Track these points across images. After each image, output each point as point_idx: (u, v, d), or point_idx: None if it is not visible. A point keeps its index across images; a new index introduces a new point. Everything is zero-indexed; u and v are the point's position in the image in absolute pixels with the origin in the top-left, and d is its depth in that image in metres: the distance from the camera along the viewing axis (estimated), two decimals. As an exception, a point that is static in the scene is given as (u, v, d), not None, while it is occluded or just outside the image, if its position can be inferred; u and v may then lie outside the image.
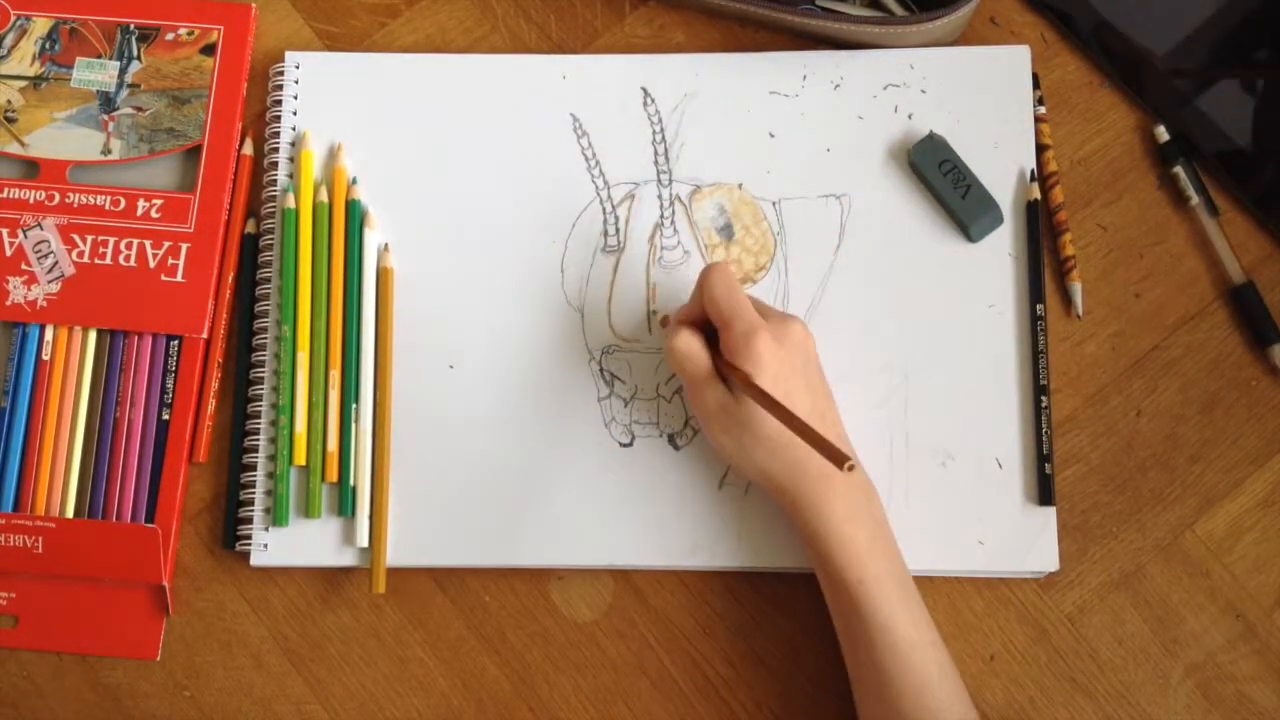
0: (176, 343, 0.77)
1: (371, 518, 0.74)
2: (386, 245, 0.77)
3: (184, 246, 0.78)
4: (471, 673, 0.74)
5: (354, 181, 0.78)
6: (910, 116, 0.78)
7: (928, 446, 0.74)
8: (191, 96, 0.80)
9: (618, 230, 0.78)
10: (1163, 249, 0.77)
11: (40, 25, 0.81)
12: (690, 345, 0.68)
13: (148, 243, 0.78)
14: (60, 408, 0.76)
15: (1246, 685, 0.71)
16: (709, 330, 0.70)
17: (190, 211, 0.78)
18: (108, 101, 0.80)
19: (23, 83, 0.81)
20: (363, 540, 0.73)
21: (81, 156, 0.79)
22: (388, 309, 0.76)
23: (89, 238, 0.78)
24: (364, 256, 0.77)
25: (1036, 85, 0.78)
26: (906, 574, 0.67)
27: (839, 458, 0.59)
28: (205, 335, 0.77)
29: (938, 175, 0.76)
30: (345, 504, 0.74)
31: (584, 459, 0.74)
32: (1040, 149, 0.78)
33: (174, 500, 0.75)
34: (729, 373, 0.67)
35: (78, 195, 0.78)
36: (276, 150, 0.79)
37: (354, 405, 0.75)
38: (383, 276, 0.77)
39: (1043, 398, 0.73)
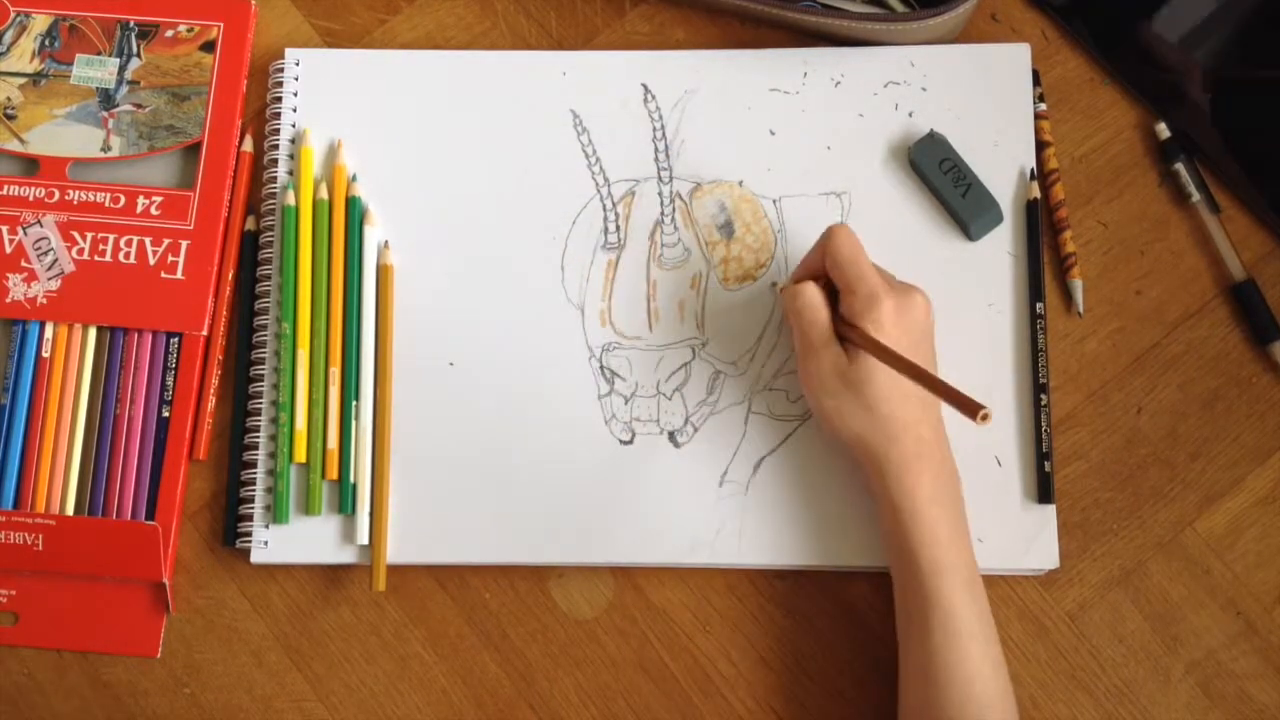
0: (176, 340, 0.77)
1: (371, 515, 0.73)
2: (386, 242, 0.77)
3: (184, 244, 0.77)
4: (472, 670, 0.74)
5: (354, 178, 0.78)
6: (910, 114, 0.78)
7: (928, 444, 0.74)
8: (191, 93, 0.80)
9: (618, 227, 0.78)
10: (1163, 246, 0.77)
11: (40, 22, 0.81)
12: (814, 301, 0.69)
13: (147, 240, 0.78)
14: (60, 405, 0.76)
15: (1247, 682, 0.71)
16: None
17: (190, 208, 0.78)
18: (107, 98, 0.80)
19: (22, 80, 0.81)
20: (363, 538, 0.73)
21: (81, 153, 0.79)
22: (388, 306, 0.76)
23: (89, 235, 0.78)
24: (364, 253, 0.77)
25: (1037, 82, 0.78)
26: (976, 568, 0.67)
27: (973, 407, 0.59)
28: (205, 332, 0.77)
29: (938, 173, 0.76)
30: (345, 501, 0.74)
31: (584, 456, 0.74)
32: (1041, 146, 0.78)
33: (174, 497, 0.75)
34: (849, 333, 0.68)
35: (77, 192, 0.78)
36: (276, 147, 0.79)
37: (354, 402, 0.75)
38: (383, 273, 0.77)
39: (1042, 395, 0.73)
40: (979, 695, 0.65)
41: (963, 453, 0.73)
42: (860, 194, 0.77)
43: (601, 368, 0.76)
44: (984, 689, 0.65)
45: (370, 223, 0.77)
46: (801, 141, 0.78)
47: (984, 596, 0.67)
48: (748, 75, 0.79)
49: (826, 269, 0.70)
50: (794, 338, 0.71)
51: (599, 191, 0.78)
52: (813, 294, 0.69)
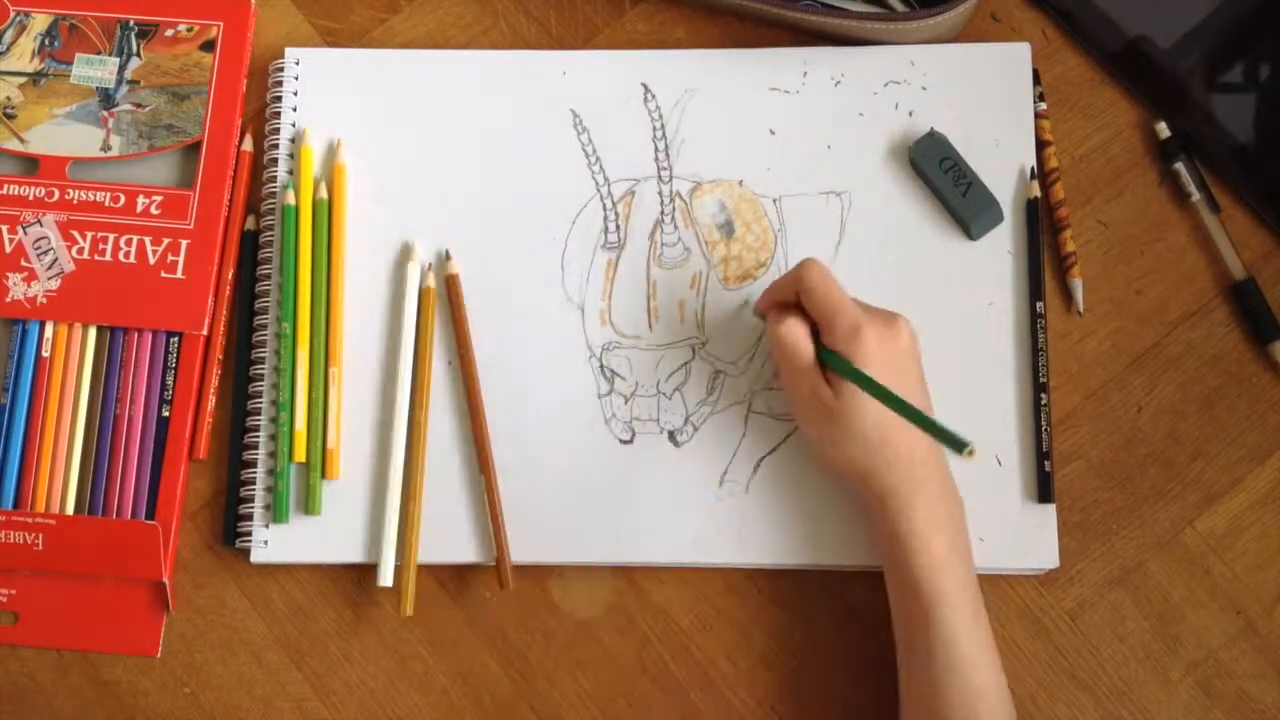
0: (176, 339, 0.77)
1: (400, 548, 0.74)
2: (429, 265, 0.77)
3: (184, 243, 0.77)
4: (472, 670, 0.74)
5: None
6: (911, 113, 0.78)
7: (927, 443, 0.73)
8: (191, 93, 0.80)
9: (618, 227, 0.78)
10: (1163, 245, 0.77)
11: (40, 21, 0.81)
12: (796, 334, 0.68)
13: (147, 239, 0.77)
14: (60, 404, 0.76)
15: (1247, 682, 0.71)
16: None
17: (190, 208, 0.78)
18: (107, 98, 0.80)
19: (22, 79, 0.80)
20: (386, 580, 0.73)
21: (81, 153, 0.79)
22: (428, 329, 0.76)
23: (89, 234, 0.78)
24: (406, 282, 0.77)
25: (1037, 82, 0.78)
26: (978, 591, 0.67)
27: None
28: (205, 332, 0.77)
29: (938, 172, 0.76)
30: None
31: (584, 456, 0.74)
32: (1041, 146, 0.78)
33: (174, 497, 0.75)
34: (833, 367, 0.67)
35: (77, 192, 0.78)
36: (276, 146, 0.79)
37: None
38: (424, 296, 0.76)
39: (1042, 395, 0.73)
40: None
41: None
42: (860, 193, 0.77)
43: (601, 367, 0.76)
44: (985, 715, 0.64)
45: (412, 258, 0.77)
46: (801, 141, 0.78)
47: (985, 620, 0.66)
48: (748, 75, 0.79)
49: (802, 303, 0.69)
50: (780, 370, 0.70)
51: (599, 191, 0.78)
52: (794, 327, 0.68)
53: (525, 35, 0.82)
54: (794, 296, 0.69)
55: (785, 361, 0.69)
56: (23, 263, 0.77)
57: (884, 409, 0.64)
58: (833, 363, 0.67)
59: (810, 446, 0.70)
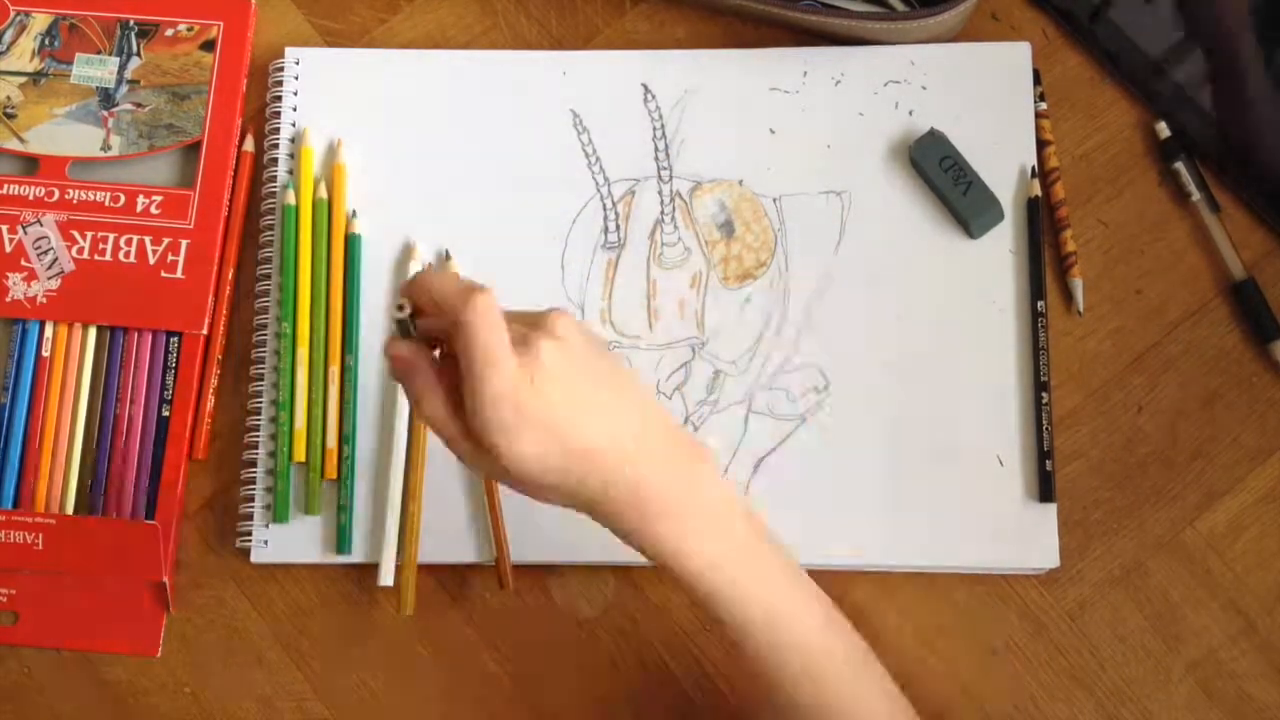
0: (176, 339, 0.77)
1: (401, 546, 0.73)
2: (429, 265, 0.77)
3: (184, 243, 0.77)
4: (472, 669, 0.73)
5: (353, 214, 0.77)
6: (911, 113, 0.78)
7: (928, 443, 0.73)
8: (191, 92, 0.80)
9: (618, 226, 0.78)
10: (1164, 245, 0.77)
11: (40, 21, 0.81)
12: (437, 415, 0.56)
13: (147, 239, 0.77)
14: (60, 404, 0.76)
15: (1247, 682, 0.71)
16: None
17: (190, 207, 0.78)
18: (107, 97, 0.80)
19: (22, 79, 0.80)
20: (387, 578, 0.73)
21: (81, 153, 0.79)
22: None
23: (89, 234, 0.78)
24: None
25: (1038, 81, 0.78)
26: (824, 596, 0.61)
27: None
28: (205, 332, 0.77)
29: (938, 172, 0.76)
30: (345, 503, 0.74)
31: (584, 455, 0.74)
32: (1041, 145, 0.78)
33: (174, 497, 0.75)
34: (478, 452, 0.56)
35: (77, 191, 0.78)
36: (276, 146, 0.79)
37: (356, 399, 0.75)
38: None
39: (1043, 394, 0.73)
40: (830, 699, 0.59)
41: (964, 452, 0.73)
42: (860, 193, 0.77)
43: (601, 367, 0.76)
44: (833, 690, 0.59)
45: (414, 257, 0.77)
46: (802, 140, 0.78)
47: (844, 624, 0.61)
48: (748, 74, 0.79)
49: (452, 343, 0.56)
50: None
51: (599, 191, 0.78)
52: (433, 404, 0.56)
53: (525, 35, 0.82)
54: (433, 310, 0.57)
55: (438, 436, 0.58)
56: (23, 262, 0.77)
57: (560, 421, 0.55)
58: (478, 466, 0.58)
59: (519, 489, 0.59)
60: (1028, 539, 0.72)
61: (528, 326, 0.56)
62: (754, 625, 0.58)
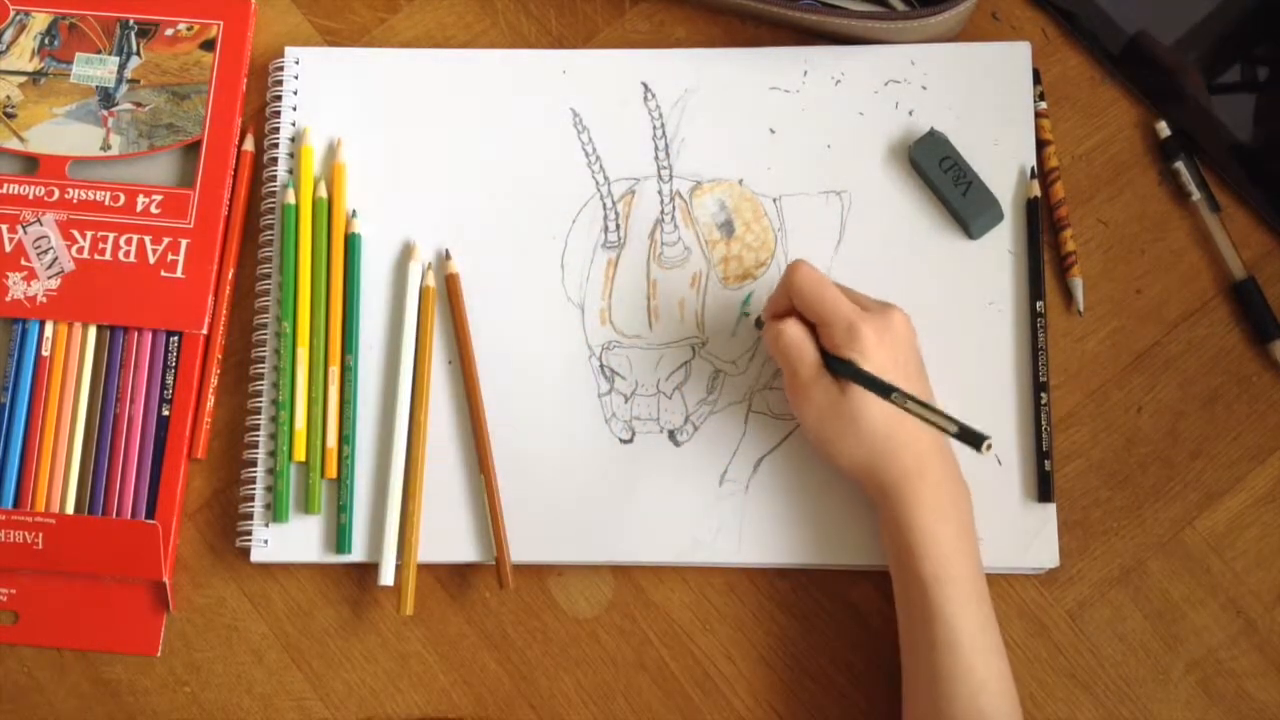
0: (176, 339, 0.77)
1: (400, 549, 0.73)
2: (429, 264, 0.77)
3: (184, 242, 0.77)
4: (472, 669, 0.74)
5: (353, 214, 0.77)
6: (911, 113, 0.78)
7: (928, 443, 0.74)
8: (191, 92, 0.80)
9: (618, 226, 0.78)
10: (1164, 245, 0.77)
11: (40, 20, 0.81)
12: (798, 338, 0.68)
13: (147, 238, 0.77)
14: (60, 404, 0.76)
15: (1247, 681, 0.71)
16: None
17: (190, 207, 0.78)
18: (107, 97, 0.80)
19: (22, 78, 0.80)
20: (388, 578, 0.73)
21: (81, 152, 0.79)
22: (428, 328, 0.76)
23: (89, 233, 0.78)
24: (408, 280, 0.77)
25: (1037, 81, 0.78)
26: (982, 578, 0.67)
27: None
28: (205, 331, 0.77)
29: (938, 172, 0.76)
30: (346, 502, 0.74)
31: (584, 455, 0.74)
32: (1041, 145, 0.78)
33: (174, 496, 0.75)
34: (838, 368, 0.67)
35: (77, 191, 0.78)
36: (276, 146, 0.79)
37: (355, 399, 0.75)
38: (424, 295, 0.76)
39: (1043, 394, 0.73)
40: (984, 708, 0.64)
41: (963, 451, 0.73)
42: (860, 193, 0.77)
43: (601, 366, 0.76)
44: (990, 703, 0.64)
45: (414, 257, 0.77)
46: (801, 140, 0.78)
47: (989, 606, 0.67)
48: (748, 74, 0.79)
49: (796, 307, 0.69)
50: (783, 374, 0.70)
51: (599, 190, 0.78)
52: (796, 331, 0.68)
53: (525, 35, 0.82)
54: (790, 301, 0.69)
55: (788, 366, 0.69)
56: (23, 262, 0.77)
57: (886, 403, 0.65)
58: (838, 369, 0.67)
59: (813, 445, 0.70)
60: (1027, 539, 0.72)
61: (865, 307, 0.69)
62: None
